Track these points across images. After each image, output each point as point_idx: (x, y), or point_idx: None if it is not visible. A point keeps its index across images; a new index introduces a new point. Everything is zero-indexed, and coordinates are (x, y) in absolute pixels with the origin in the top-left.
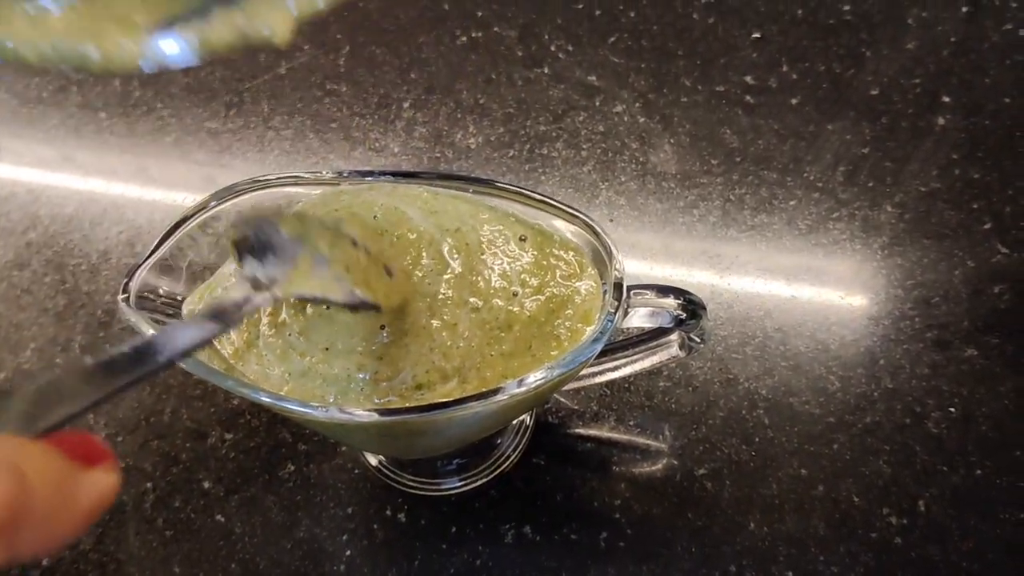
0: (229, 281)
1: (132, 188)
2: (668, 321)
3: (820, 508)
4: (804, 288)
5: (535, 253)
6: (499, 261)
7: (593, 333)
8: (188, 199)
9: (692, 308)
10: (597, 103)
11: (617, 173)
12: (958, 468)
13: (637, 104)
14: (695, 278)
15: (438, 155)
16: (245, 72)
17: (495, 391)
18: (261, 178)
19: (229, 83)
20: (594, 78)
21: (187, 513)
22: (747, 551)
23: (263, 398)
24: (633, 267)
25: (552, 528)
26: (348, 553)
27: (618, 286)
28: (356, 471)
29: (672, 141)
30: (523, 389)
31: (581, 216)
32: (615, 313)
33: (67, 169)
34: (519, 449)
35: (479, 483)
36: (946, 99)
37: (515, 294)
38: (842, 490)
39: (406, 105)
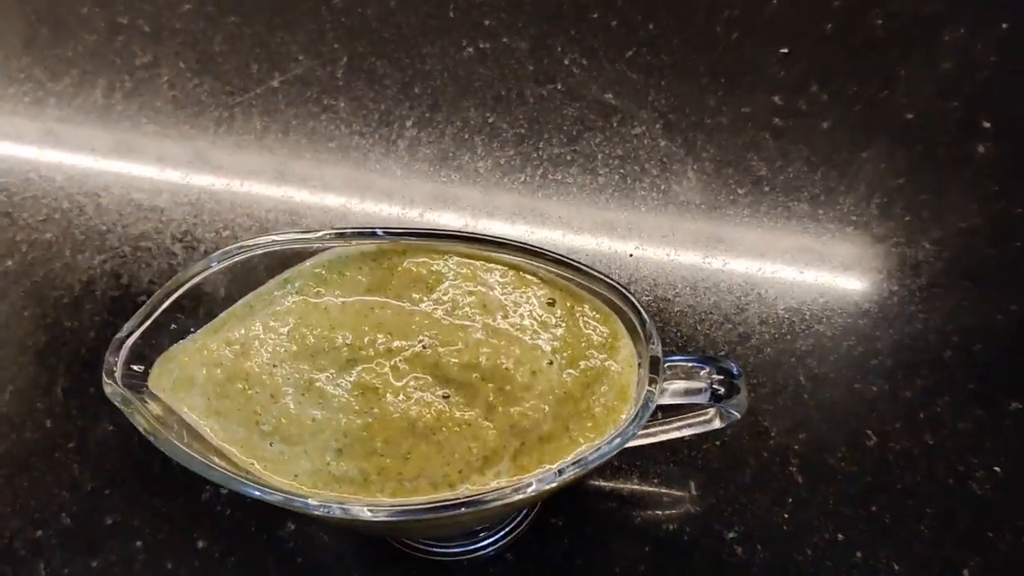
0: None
1: (114, 212)
2: (705, 398)
3: None
4: (838, 333)
5: (565, 319)
6: (528, 330)
7: (631, 418)
8: (174, 224)
9: (730, 381)
10: (614, 123)
11: (637, 202)
12: (1005, 533)
13: (657, 125)
14: (722, 321)
15: (444, 179)
16: (236, 85)
17: (525, 485)
18: (250, 243)
19: (218, 97)
20: (611, 96)
21: (180, 575)
22: None
23: (255, 493)
24: (655, 308)
25: None
26: None
27: (654, 362)
28: None
29: (696, 167)
30: (555, 485)
31: (611, 282)
32: (654, 393)
33: (45, 190)
34: (536, 509)
35: (493, 547)
36: (986, 124)
37: (550, 363)
38: (881, 557)
39: (409, 123)
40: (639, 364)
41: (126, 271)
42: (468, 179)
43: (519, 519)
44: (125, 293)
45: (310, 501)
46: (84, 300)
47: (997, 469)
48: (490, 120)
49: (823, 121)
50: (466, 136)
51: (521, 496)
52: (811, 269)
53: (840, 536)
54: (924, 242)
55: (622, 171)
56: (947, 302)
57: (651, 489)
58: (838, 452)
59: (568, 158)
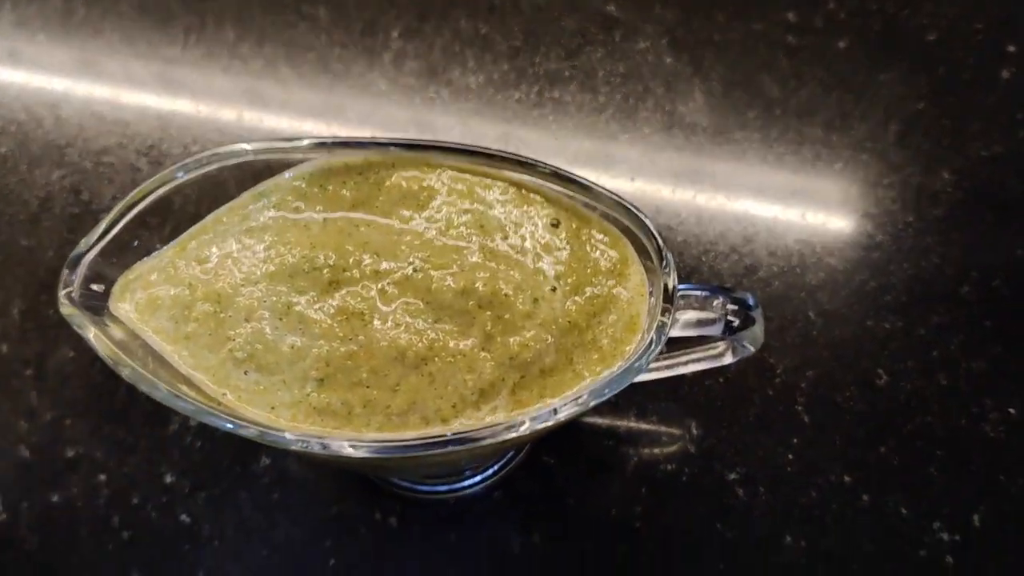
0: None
1: (75, 125)
2: (718, 330)
3: (865, 521)
4: (850, 266)
5: (570, 241)
6: (530, 253)
7: (641, 351)
8: (139, 139)
9: (745, 312)
10: (617, 38)
11: (639, 124)
12: (1017, 477)
13: (663, 41)
14: (728, 252)
15: (432, 95)
16: None
17: (518, 424)
18: (221, 151)
19: (188, 2)
20: (613, 8)
21: (147, 511)
22: (782, 569)
23: (227, 426)
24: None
25: (563, 538)
26: (332, 562)
27: (667, 293)
28: None
29: (703, 87)
30: (550, 423)
31: (622, 201)
32: (667, 324)
33: (0, 101)
34: (527, 445)
35: (480, 485)
36: (1011, 48)
37: (553, 289)
38: (889, 501)
39: (395, 34)
40: (650, 292)
41: (87, 187)
42: (458, 95)
43: (509, 456)
44: (86, 210)
45: (287, 435)
46: (42, 217)
47: (1012, 411)
48: (483, 31)
49: (840, 40)
50: (456, 49)
51: (515, 434)
52: (823, 198)
53: (847, 478)
54: (943, 171)
55: (624, 90)
56: (966, 235)
57: (649, 427)
58: (847, 391)
59: (566, 74)
